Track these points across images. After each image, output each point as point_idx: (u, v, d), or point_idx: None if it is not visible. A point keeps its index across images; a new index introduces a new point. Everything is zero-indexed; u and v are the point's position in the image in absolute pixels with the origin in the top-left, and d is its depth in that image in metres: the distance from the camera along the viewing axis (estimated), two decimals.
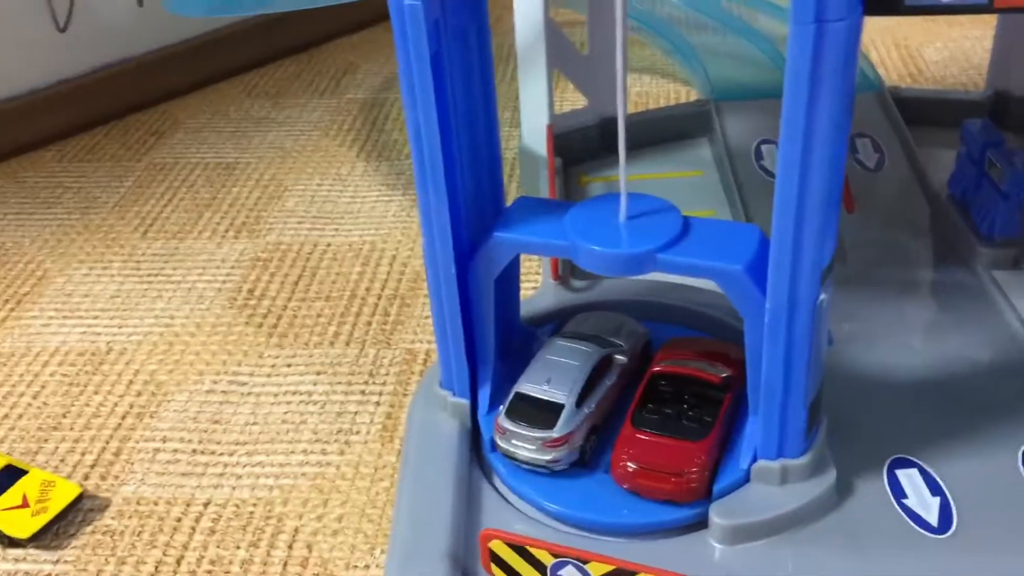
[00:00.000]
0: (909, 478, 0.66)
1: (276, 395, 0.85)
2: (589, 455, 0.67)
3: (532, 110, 1.07)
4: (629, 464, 0.63)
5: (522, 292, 0.93)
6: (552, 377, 0.67)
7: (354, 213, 1.11)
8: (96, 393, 0.87)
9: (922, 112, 1.11)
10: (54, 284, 1.02)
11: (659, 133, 1.12)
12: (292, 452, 0.79)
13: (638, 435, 0.65)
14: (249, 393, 0.86)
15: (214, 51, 1.43)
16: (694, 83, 1.28)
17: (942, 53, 1.36)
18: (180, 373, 0.89)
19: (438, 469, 0.69)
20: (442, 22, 0.62)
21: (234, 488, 0.76)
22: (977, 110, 1.09)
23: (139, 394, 0.86)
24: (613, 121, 1.11)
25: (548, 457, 0.65)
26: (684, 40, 1.32)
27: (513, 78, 1.16)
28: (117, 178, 1.22)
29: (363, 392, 0.85)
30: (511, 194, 1.14)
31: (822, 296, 0.59)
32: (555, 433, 0.65)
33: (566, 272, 0.87)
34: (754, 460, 0.64)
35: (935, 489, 0.65)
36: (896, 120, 1.08)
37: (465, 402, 0.72)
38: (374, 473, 0.77)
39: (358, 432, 0.81)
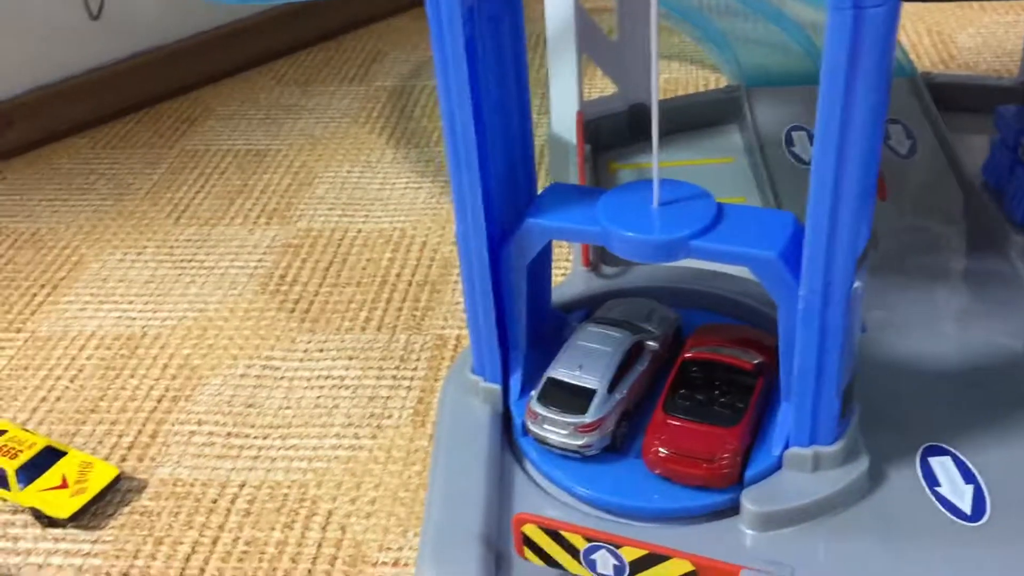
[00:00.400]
0: (942, 466, 0.66)
1: (309, 379, 0.86)
2: (620, 441, 0.67)
3: (561, 97, 1.07)
4: (661, 449, 0.64)
5: (553, 278, 0.93)
6: (584, 363, 0.68)
7: (384, 200, 1.12)
8: (132, 377, 0.88)
9: (954, 98, 1.10)
10: (89, 269, 1.04)
11: (689, 120, 1.12)
12: (325, 436, 0.80)
13: (669, 421, 0.65)
14: (282, 378, 0.87)
15: (244, 39, 1.44)
16: (724, 70, 1.28)
17: (975, 39, 1.34)
18: (214, 358, 0.90)
19: (470, 453, 0.69)
20: (476, 8, 0.62)
21: (268, 471, 0.77)
22: (1010, 96, 1.08)
23: (174, 378, 0.88)
24: (643, 107, 1.11)
25: (580, 442, 0.65)
26: (714, 26, 1.32)
27: (542, 65, 1.16)
28: (150, 165, 1.23)
29: (395, 377, 0.86)
30: (541, 181, 1.14)
31: (856, 283, 0.59)
32: (587, 418, 0.65)
33: (597, 259, 0.87)
34: (786, 447, 0.64)
35: (968, 477, 0.65)
36: (928, 106, 1.07)
37: (497, 387, 0.72)
38: (406, 457, 0.78)
39: (390, 416, 0.82)
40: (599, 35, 1.06)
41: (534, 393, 0.68)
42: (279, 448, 0.79)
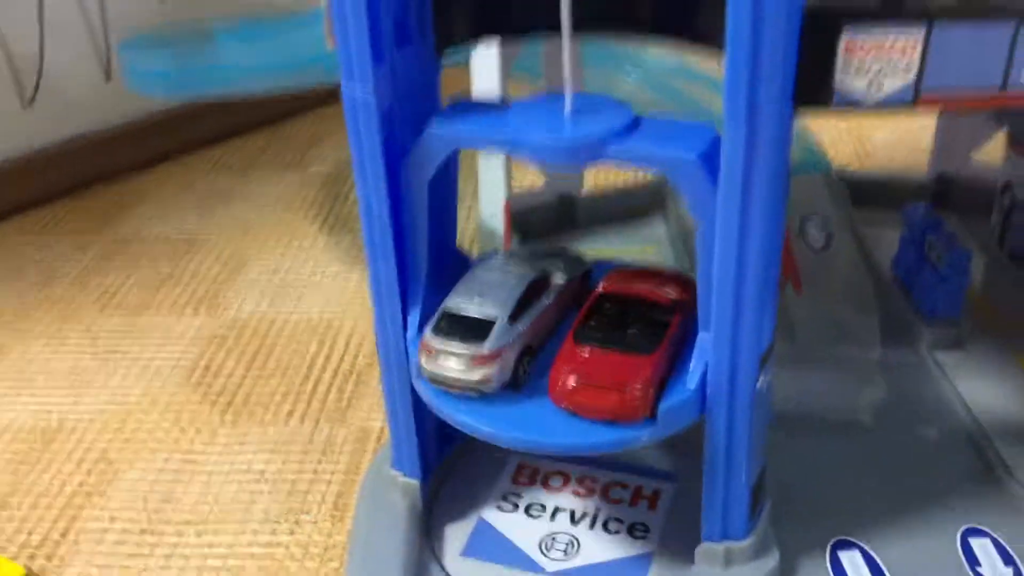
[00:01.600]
0: (851, 560, 0.67)
1: (228, 473, 0.85)
2: (524, 378, 0.62)
3: (490, 187, 1.10)
4: (569, 379, 0.59)
5: None
6: (483, 293, 0.62)
7: (314, 287, 1.12)
8: (45, 471, 0.86)
9: (869, 194, 1.14)
10: (9, 358, 1.02)
11: (614, 211, 1.15)
12: (242, 532, 0.79)
13: (579, 350, 0.60)
14: (200, 471, 0.85)
15: (181, 125, 1.45)
16: None
17: (890, 137, 1.40)
18: (132, 451, 0.88)
19: (387, 549, 0.69)
20: (396, 108, 0.64)
21: (181, 569, 0.76)
22: (921, 192, 1.13)
23: (89, 472, 0.86)
24: (570, 199, 1.13)
25: (478, 376, 0.60)
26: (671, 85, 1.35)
27: (474, 155, 1.18)
28: (79, 250, 1.22)
29: (315, 471, 0.85)
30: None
31: (761, 381, 0.61)
32: (485, 349, 0.59)
33: None
34: (703, 379, 0.59)
35: (876, 571, 0.66)
36: (843, 202, 1.11)
37: (415, 482, 0.72)
38: (323, 553, 0.77)
39: (309, 511, 0.81)
40: None
41: (428, 326, 0.62)
42: (194, 545, 0.78)
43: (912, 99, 0.52)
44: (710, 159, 0.54)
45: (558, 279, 0.66)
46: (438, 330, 0.61)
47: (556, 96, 0.59)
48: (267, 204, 1.32)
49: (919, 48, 0.51)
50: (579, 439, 0.59)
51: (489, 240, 1.09)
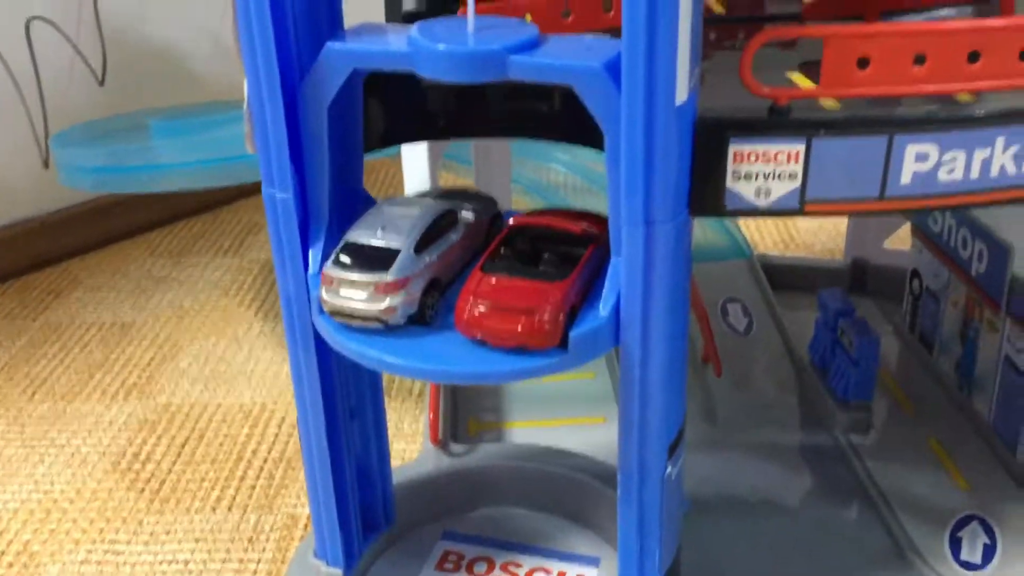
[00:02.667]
0: None
1: (152, 564, 0.84)
2: (431, 313, 0.60)
3: None
4: (477, 306, 0.57)
5: (401, 460, 0.95)
6: (387, 226, 0.60)
7: (247, 373, 1.13)
8: None
9: (789, 278, 1.19)
10: None
11: None
12: None
13: (487, 278, 0.58)
14: (125, 563, 0.85)
15: (118, 211, 1.46)
16: None
17: (812, 223, 1.46)
18: (55, 543, 0.87)
19: None
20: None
21: None
22: (838, 277, 1.18)
23: (11, 565, 0.85)
24: None
25: (382, 305, 0.57)
26: (568, 206, 1.40)
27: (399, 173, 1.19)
28: (10, 338, 1.22)
29: (241, 560, 0.85)
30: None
31: (670, 469, 0.63)
32: (390, 276, 0.57)
33: (446, 435, 0.89)
34: (616, 306, 0.57)
35: None
36: (764, 286, 1.15)
37: (339, 571, 0.72)
38: None
39: None
40: None
41: (329, 259, 0.60)
42: None
43: (799, 206, 0.56)
44: (614, 68, 0.53)
45: (467, 216, 0.64)
46: (339, 261, 0.59)
47: (459, 17, 0.58)
48: (203, 290, 1.33)
49: (802, 158, 0.54)
50: (488, 367, 0.56)
51: None
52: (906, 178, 0.55)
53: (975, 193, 0.56)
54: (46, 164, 1.39)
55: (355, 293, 0.58)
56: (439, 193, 0.69)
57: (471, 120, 0.71)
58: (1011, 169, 0.55)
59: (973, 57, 0.54)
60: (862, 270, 1.17)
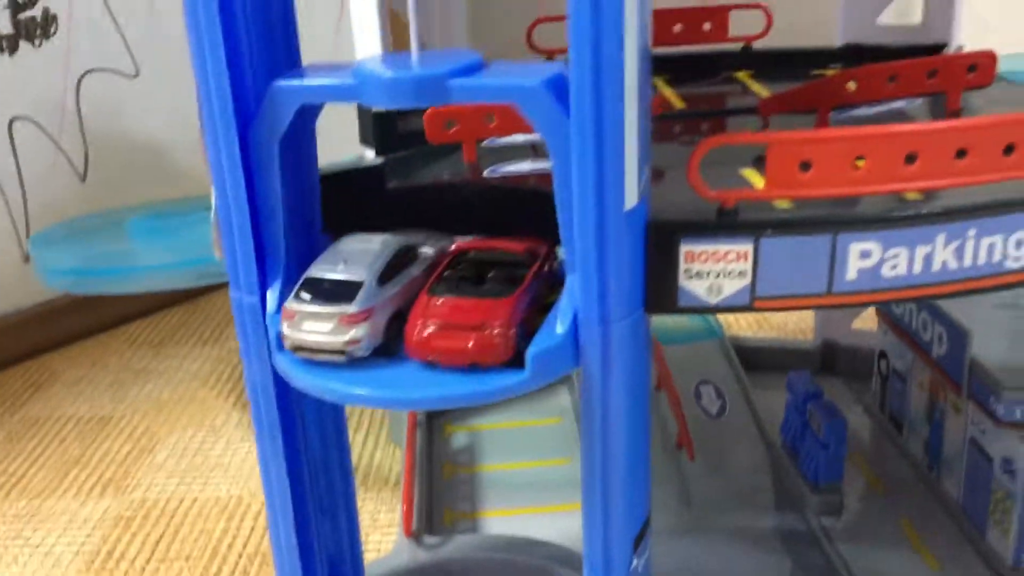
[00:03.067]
0: None
1: None
2: (394, 345, 0.58)
3: None
4: (426, 327, 0.56)
5: (377, 552, 0.95)
6: (348, 259, 0.59)
7: (224, 466, 1.13)
8: None
9: (761, 359, 1.20)
10: None
11: None
12: None
13: (433, 299, 0.57)
14: None
15: (98, 304, 1.47)
16: None
17: None
18: None
19: None
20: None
21: None
22: (809, 357, 1.19)
23: None
24: None
25: (347, 337, 0.56)
26: None
27: None
28: None
29: None
30: (380, 443, 1.18)
31: (635, 562, 0.63)
32: (353, 308, 0.56)
33: (420, 527, 0.90)
34: (575, 323, 0.56)
35: None
36: (736, 368, 1.17)
37: None
38: None
39: None
40: None
41: (290, 294, 0.59)
42: None
43: (749, 302, 0.57)
44: (556, 85, 0.53)
45: (426, 252, 0.64)
46: (300, 296, 0.57)
47: (404, 52, 0.58)
48: (182, 381, 1.33)
49: (751, 257, 0.56)
50: (445, 390, 0.55)
51: (397, 416, 1.12)
52: (852, 274, 0.57)
53: (919, 287, 0.58)
54: (27, 259, 1.40)
55: (319, 326, 0.56)
56: (397, 231, 0.68)
57: (432, 221, 0.73)
58: (953, 264, 0.57)
59: (910, 159, 0.56)
60: (832, 351, 1.18)
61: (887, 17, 1.03)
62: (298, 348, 0.57)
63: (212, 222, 0.62)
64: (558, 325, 0.56)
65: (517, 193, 0.71)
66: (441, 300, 0.57)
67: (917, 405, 0.98)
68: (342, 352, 0.56)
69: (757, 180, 0.63)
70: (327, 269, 0.58)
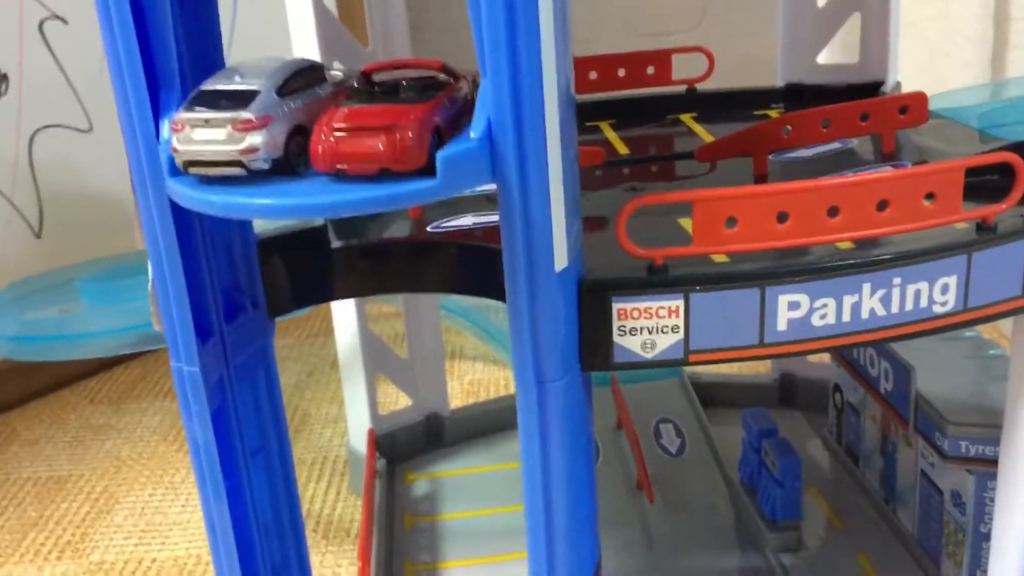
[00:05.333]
0: None
1: None
2: (297, 161, 0.54)
3: (356, 414, 1.13)
4: (332, 133, 0.52)
5: None
6: (246, 73, 0.55)
7: (183, 524, 1.12)
8: None
9: (720, 395, 1.21)
10: None
11: (482, 426, 1.19)
12: None
13: (341, 109, 0.53)
14: None
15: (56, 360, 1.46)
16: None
17: None
18: None
19: None
20: (226, 376, 0.67)
21: None
22: (767, 391, 1.20)
23: None
24: (437, 418, 1.17)
25: (243, 145, 0.52)
26: (493, 324, 1.42)
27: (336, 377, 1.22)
28: None
29: None
30: (341, 494, 1.17)
31: None
32: (248, 113, 0.52)
33: None
34: (489, 129, 0.53)
35: None
36: (696, 405, 1.17)
37: None
38: None
39: None
40: (390, 355, 1.14)
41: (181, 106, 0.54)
42: None
43: (683, 356, 0.58)
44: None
45: (336, 75, 0.60)
46: (192, 106, 0.53)
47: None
48: (142, 437, 1.32)
49: (681, 312, 0.57)
50: (352, 195, 0.51)
51: (359, 466, 1.12)
52: (782, 325, 0.58)
53: (849, 335, 0.59)
54: None
55: (211, 134, 0.52)
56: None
57: (376, 279, 0.73)
58: (880, 311, 0.58)
59: (833, 211, 0.57)
60: (790, 383, 1.19)
61: (826, 56, 1.05)
62: (191, 164, 0.53)
63: (150, 292, 0.62)
64: (472, 130, 0.53)
65: (463, 249, 0.71)
66: (348, 108, 0.53)
67: (871, 438, 0.99)
68: (239, 164, 0.52)
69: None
70: (222, 81, 0.54)
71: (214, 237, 0.64)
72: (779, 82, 1.05)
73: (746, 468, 1.01)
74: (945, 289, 0.59)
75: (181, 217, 0.59)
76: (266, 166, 0.53)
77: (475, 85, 0.56)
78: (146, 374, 1.51)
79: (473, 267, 0.70)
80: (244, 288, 0.68)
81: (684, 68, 1.03)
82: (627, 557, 0.95)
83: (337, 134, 0.52)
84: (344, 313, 1.08)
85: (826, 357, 1.12)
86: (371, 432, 1.08)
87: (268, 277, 0.69)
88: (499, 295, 0.59)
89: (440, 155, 0.51)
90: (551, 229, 0.53)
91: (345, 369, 1.11)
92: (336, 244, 0.72)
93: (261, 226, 0.69)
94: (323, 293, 0.73)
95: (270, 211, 0.52)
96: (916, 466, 0.88)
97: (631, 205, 0.57)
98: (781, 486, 0.92)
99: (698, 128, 0.96)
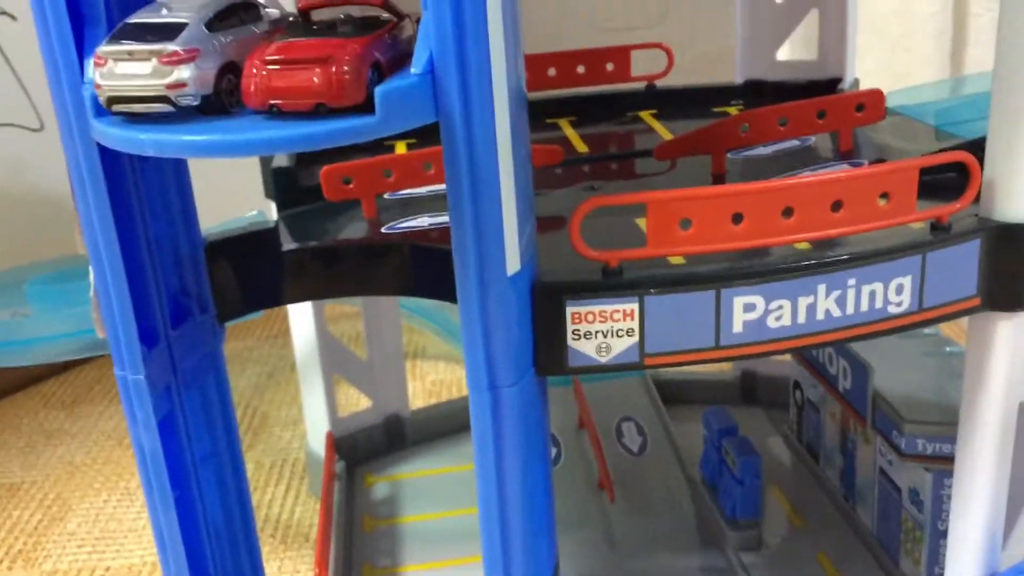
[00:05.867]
0: None
1: None
2: (229, 100, 0.51)
3: (314, 417, 1.11)
4: (264, 67, 0.49)
5: None
6: (174, 6, 0.52)
7: (138, 531, 1.10)
8: None
9: (682, 392, 1.21)
10: None
11: (443, 427, 1.18)
12: None
13: (274, 44, 0.51)
14: None
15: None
16: None
17: None
18: None
19: None
20: (174, 383, 0.66)
21: None
22: (729, 388, 1.20)
23: None
24: (397, 419, 1.16)
25: (169, 79, 0.49)
26: (456, 325, 1.41)
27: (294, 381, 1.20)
28: None
29: None
30: (301, 497, 1.15)
31: None
32: (174, 45, 0.49)
33: None
34: (430, 64, 0.50)
35: None
36: (657, 404, 1.17)
37: None
38: None
39: None
40: (349, 356, 1.12)
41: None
42: None
43: (639, 360, 0.57)
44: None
45: (272, 11, 0.57)
46: (115, 40, 0.50)
47: None
48: (96, 441, 1.30)
49: (636, 315, 0.56)
50: (287, 131, 0.48)
51: (317, 469, 1.10)
52: (738, 327, 0.57)
53: (805, 336, 0.58)
54: None
55: (136, 67, 0.49)
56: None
57: (329, 282, 0.72)
58: (836, 312, 0.58)
59: (787, 212, 0.56)
60: (751, 380, 1.19)
61: (786, 52, 1.05)
62: (115, 101, 0.50)
63: (92, 299, 0.61)
64: (412, 66, 0.50)
65: (416, 251, 0.70)
66: (283, 43, 0.50)
67: (831, 435, 0.99)
68: (166, 100, 0.49)
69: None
70: (148, 15, 0.52)
71: (159, 239, 0.63)
72: (738, 79, 1.05)
73: (707, 467, 1.01)
74: (900, 289, 0.58)
75: (121, 208, 0.57)
76: (195, 103, 0.50)
77: (419, 25, 0.53)
78: (101, 377, 1.48)
79: (426, 269, 0.69)
80: (191, 292, 0.66)
81: (644, 64, 1.03)
82: (589, 557, 0.94)
83: (269, 67, 0.49)
84: (301, 314, 1.06)
85: (787, 355, 1.12)
86: (330, 435, 1.07)
87: (216, 281, 0.68)
88: (453, 297, 0.58)
89: (379, 90, 0.48)
90: (502, 232, 0.52)
91: (303, 371, 1.10)
92: (287, 246, 0.71)
93: (208, 228, 0.68)
94: (274, 297, 0.71)
95: (200, 148, 0.48)
96: (875, 464, 0.88)
97: (585, 206, 0.56)
98: (741, 484, 0.92)
99: (657, 125, 0.96)
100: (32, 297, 1.04)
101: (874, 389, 0.84)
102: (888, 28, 1.76)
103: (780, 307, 0.57)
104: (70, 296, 1.01)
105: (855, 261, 0.57)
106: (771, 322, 0.57)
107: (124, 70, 0.49)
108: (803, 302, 0.57)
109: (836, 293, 0.57)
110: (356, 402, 1.24)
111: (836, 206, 0.56)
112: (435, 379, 1.42)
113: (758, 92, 1.03)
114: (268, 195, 0.88)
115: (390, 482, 1.09)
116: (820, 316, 0.58)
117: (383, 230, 0.73)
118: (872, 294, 0.58)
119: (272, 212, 0.82)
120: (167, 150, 0.49)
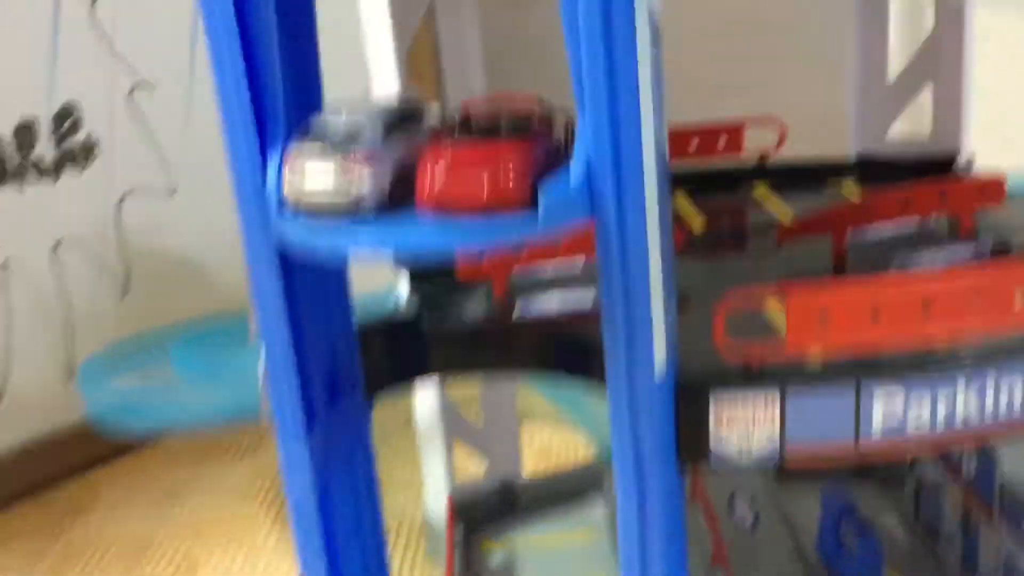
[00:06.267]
0: None
1: None
2: (401, 201, 0.54)
3: (433, 482, 1.15)
4: (436, 170, 0.53)
5: None
6: (350, 113, 0.56)
7: None
8: None
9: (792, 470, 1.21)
10: None
11: (554, 494, 1.20)
12: None
13: (444, 149, 0.54)
14: None
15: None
16: (589, 438, 1.38)
17: None
18: None
19: None
20: (326, 459, 0.70)
21: None
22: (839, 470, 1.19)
23: None
24: (511, 485, 1.18)
25: (351, 182, 0.53)
26: (576, 395, 1.43)
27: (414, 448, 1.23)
28: (30, 561, 1.23)
29: None
30: (418, 560, 1.19)
31: None
32: (358, 150, 0.53)
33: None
34: (588, 165, 0.54)
35: None
36: (768, 477, 1.17)
37: None
38: None
39: None
40: (465, 423, 1.15)
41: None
42: None
43: (779, 454, 0.59)
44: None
45: (432, 119, 0.61)
46: (303, 143, 0.55)
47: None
48: (222, 497, 1.35)
49: (777, 410, 0.58)
50: (456, 238, 0.52)
51: (435, 535, 1.13)
52: (877, 423, 0.58)
53: (945, 435, 0.59)
54: (70, 377, 1.44)
55: (322, 174, 0.53)
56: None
57: (468, 361, 0.76)
58: (974, 409, 0.59)
59: (926, 306, 0.58)
60: None
61: (898, 127, 1.06)
62: (302, 203, 0.54)
63: (260, 380, 0.65)
64: (572, 170, 0.54)
65: (553, 337, 0.73)
66: (452, 149, 0.54)
67: (951, 517, 0.98)
68: (347, 202, 0.53)
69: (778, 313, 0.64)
70: (330, 119, 0.56)
71: (320, 324, 0.68)
72: (850, 151, 1.05)
73: (824, 547, 1.01)
74: None
75: (291, 299, 0.62)
76: (372, 204, 0.54)
77: (568, 125, 0.58)
78: (224, 433, 1.55)
79: (564, 351, 0.72)
80: (345, 372, 0.70)
81: (756, 136, 1.04)
82: None
83: (445, 172, 0.53)
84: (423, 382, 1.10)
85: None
86: (451, 499, 1.10)
87: (367, 361, 0.72)
88: (588, 377, 0.61)
89: (543, 198, 0.52)
90: (651, 310, 0.55)
91: (423, 438, 1.13)
92: (427, 327, 0.75)
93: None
94: (417, 373, 0.75)
95: (380, 253, 0.54)
96: (1000, 552, 0.87)
97: (727, 304, 0.58)
98: (860, 566, 0.92)
99: (772, 200, 0.97)
100: (178, 362, 1.10)
101: (1002, 478, 0.84)
102: (998, 88, 1.74)
103: (920, 403, 0.58)
104: (211, 364, 1.06)
105: (995, 356, 0.58)
106: (911, 419, 0.58)
107: (310, 172, 0.54)
108: (943, 398, 0.58)
109: (975, 388, 0.58)
110: (464, 466, 1.27)
111: (974, 300, 0.58)
112: (542, 442, 1.44)
113: (870, 168, 1.04)
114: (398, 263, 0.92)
115: (504, 549, 1.12)
116: (959, 412, 0.59)
117: (517, 311, 0.76)
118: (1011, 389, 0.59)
119: (401, 281, 0.84)
120: (354, 252, 0.54)
